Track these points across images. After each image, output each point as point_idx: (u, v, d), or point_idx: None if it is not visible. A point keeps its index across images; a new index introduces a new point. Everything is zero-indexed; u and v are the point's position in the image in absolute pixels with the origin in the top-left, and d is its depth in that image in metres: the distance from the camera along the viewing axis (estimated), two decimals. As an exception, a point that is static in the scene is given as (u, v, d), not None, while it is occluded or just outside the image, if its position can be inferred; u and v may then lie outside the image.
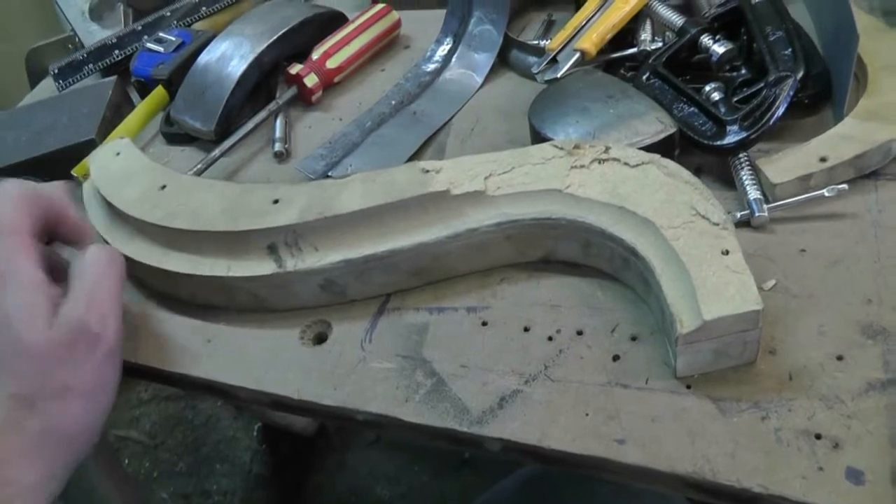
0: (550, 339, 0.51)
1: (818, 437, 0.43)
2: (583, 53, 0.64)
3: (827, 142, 0.57)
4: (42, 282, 0.48)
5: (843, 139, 0.56)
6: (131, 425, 1.55)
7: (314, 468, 1.42)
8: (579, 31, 0.66)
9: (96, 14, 0.90)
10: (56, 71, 0.86)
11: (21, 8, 1.53)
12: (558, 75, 0.63)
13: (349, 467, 1.42)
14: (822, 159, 0.56)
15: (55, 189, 0.54)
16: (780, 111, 0.57)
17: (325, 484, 1.40)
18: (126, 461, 1.49)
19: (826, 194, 0.54)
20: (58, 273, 0.52)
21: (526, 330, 0.52)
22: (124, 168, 0.64)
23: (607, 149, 0.54)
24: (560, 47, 0.65)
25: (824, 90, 0.62)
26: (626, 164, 0.53)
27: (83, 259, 0.51)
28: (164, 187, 0.61)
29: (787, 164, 0.56)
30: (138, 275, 0.62)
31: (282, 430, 1.46)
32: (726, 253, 0.47)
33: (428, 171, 0.54)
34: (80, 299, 0.49)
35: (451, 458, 1.39)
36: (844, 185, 0.54)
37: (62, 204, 0.54)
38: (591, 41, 0.65)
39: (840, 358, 0.46)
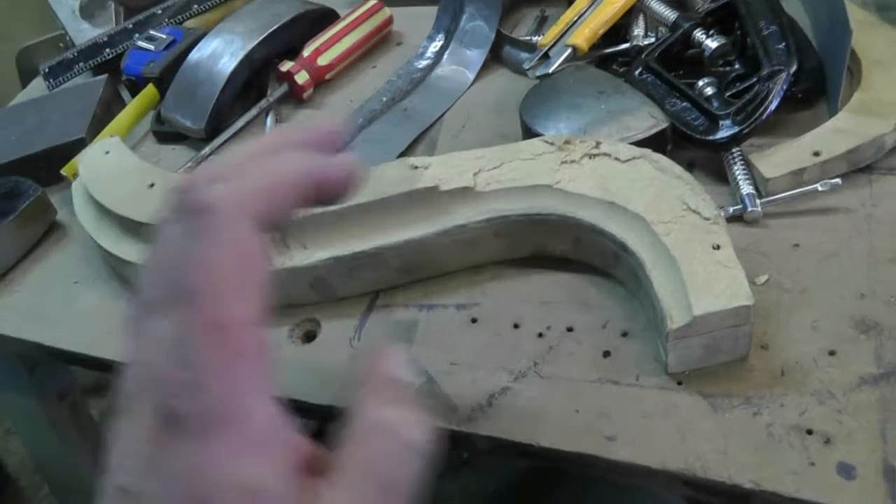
0: (541, 335, 0.50)
1: (810, 432, 0.43)
2: (575, 49, 0.64)
3: (820, 136, 0.56)
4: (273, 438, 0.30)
5: (837, 133, 0.56)
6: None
7: (311, 469, 1.42)
8: (571, 26, 0.65)
9: (87, 12, 0.89)
10: (47, 70, 0.85)
11: (14, 6, 1.53)
12: (550, 71, 0.63)
13: (347, 468, 1.41)
14: (816, 153, 0.55)
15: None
16: (773, 105, 0.56)
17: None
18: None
19: (819, 189, 0.54)
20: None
21: (516, 327, 0.51)
22: (113, 167, 0.64)
23: (598, 144, 0.53)
24: (552, 43, 0.65)
25: (818, 84, 0.62)
26: (616, 159, 0.52)
27: (360, 440, 0.32)
28: (152, 185, 0.61)
29: (780, 158, 0.55)
30: (127, 275, 0.61)
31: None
32: (717, 248, 0.46)
33: (416, 168, 0.54)
34: None
35: (450, 459, 1.39)
36: (838, 180, 0.54)
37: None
38: (583, 36, 0.64)
39: (833, 353, 0.46)
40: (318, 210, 0.53)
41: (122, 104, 0.80)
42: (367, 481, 0.31)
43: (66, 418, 0.89)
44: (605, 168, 0.52)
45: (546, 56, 0.64)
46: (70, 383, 0.87)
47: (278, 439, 0.30)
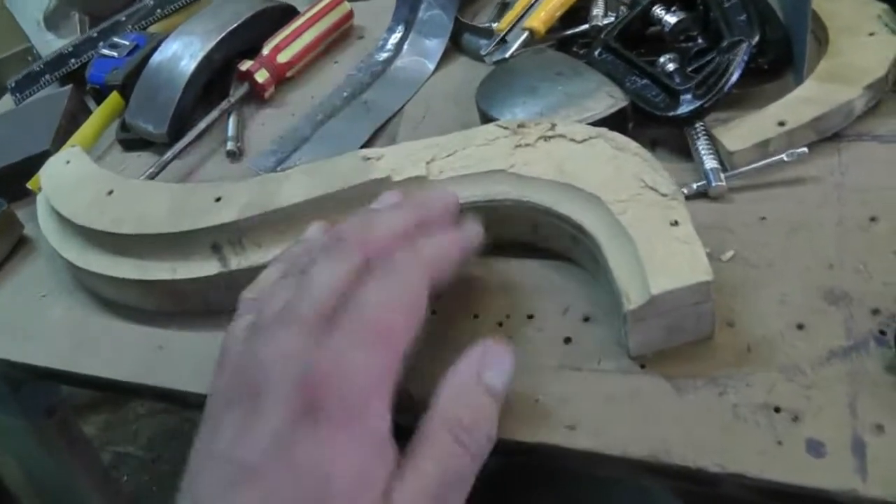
0: (500, 324, 0.49)
1: (777, 410, 0.41)
2: (532, 32, 0.62)
3: (785, 105, 0.54)
4: (386, 443, 0.36)
5: (803, 102, 0.54)
6: (129, 440, 1.54)
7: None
8: (528, 9, 0.64)
9: (52, 23, 0.89)
10: (13, 84, 0.85)
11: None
12: (506, 56, 0.61)
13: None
14: (781, 123, 0.53)
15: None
16: (735, 77, 0.54)
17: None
18: (125, 477, 1.48)
19: (785, 159, 0.52)
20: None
21: (475, 317, 0.50)
22: (74, 177, 0.63)
23: (553, 125, 0.52)
24: (509, 27, 0.63)
25: (784, 55, 0.60)
26: (572, 140, 0.51)
27: (432, 424, 0.38)
28: (111, 192, 0.59)
29: (743, 130, 0.54)
30: (90, 285, 0.60)
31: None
32: (675, 224, 0.45)
33: (369, 159, 0.52)
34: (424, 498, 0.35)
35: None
36: (804, 149, 0.52)
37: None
38: (539, 19, 0.63)
39: (801, 327, 0.44)
40: (271, 208, 0.52)
41: (88, 114, 0.79)
42: (454, 424, 0.38)
43: (55, 436, 0.88)
44: (561, 150, 0.50)
45: (503, 41, 0.63)
46: (59, 400, 0.87)
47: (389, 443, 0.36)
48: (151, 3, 0.86)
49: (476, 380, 0.39)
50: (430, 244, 0.43)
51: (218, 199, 0.55)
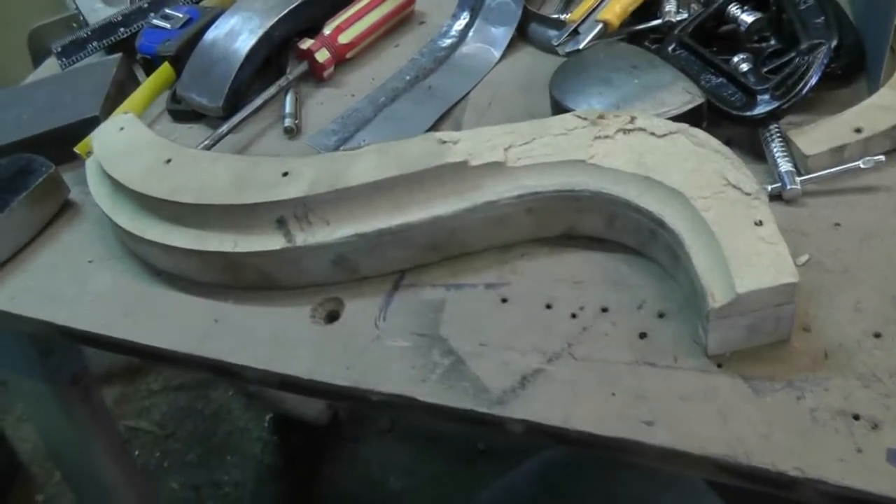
0: (574, 316, 0.49)
1: (856, 417, 0.41)
2: (605, 24, 0.62)
3: (862, 112, 0.54)
4: None
5: (879, 109, 0.54)
6: (142, 416, 1.53)
7: (326, 459, 1.40)
8: (601, 2, 0.63)
9: (102, -8, 0.88)
10: (59, 49, 0.84)
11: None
12: (580, 47, 0.61)
13: (362, 458, 1.40)
14: (857, 130, 0.53)
15: None
16: (814, 80, 0.54)
17: (337, 475, 1.38)
18: (136, 452, 1.47)
19: (861, 166, 0.52)
20: None
21: (548, 307, 0.49)
22: (128, 143, 0.63)
23: (633, 119, 0.51)
24: (582, 19, 0.63)
25: (857, 61, 0.60)
26: (652, 133, 0.50)
27: None
28: (169, 161, 0.59)
29: (819, 135, 0.54)
30: (142, 253, 0.60)
31: (294, 421, 1.45)
32: (760, 224, 0.44)
33: (445, 142, 0.52)
34: None
35: (466, 449, 1.37)
36: (881, 157, 0.52)
37: None
38: (613, 12, 0.62)
39: (878, 335, 0.44)
40: (341, 185, 0.52)
41: (137, 83, 0.78)
42: None
43: (78, 403, 0.88)
44: (641, 143, 0.50)
45: (576, 32, 0.62)
46: (83, 368, 0.87)
47: None
48: (204, -25, 0.85)
49: None
50: None
51: (285, 174, 0.54)
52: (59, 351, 0.80)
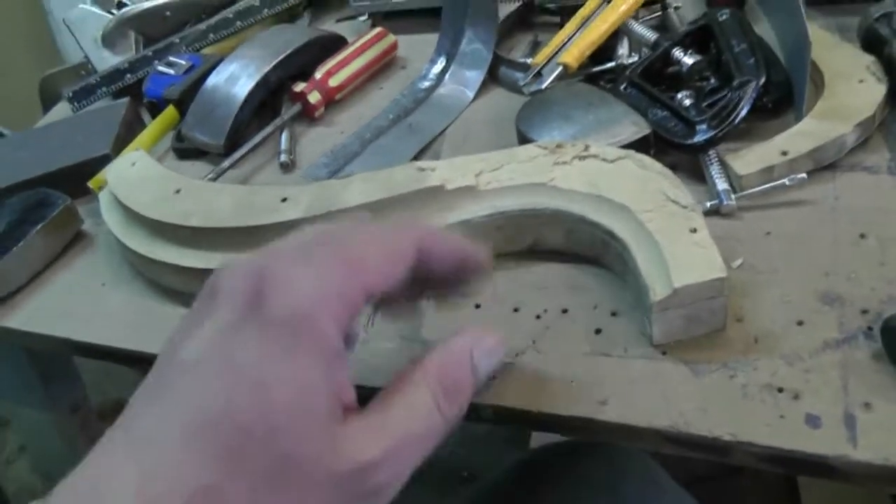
0: (538, 317, 0.55)
1: (780, 390, 0.47)
2: (565, 67, 0.70)
3: (788, 138, 0.62)
4: (333, 364, 0.34)
5: (802, 135, 0.62)
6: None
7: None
8: (562, 47, 0.72)
9: (109, 41, 0.95)
10: (71, 94, 0.91)
11: (19, 42, 1.57)
12: (543, 87, 0.69)
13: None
14: (784, 153, 0.61)
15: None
16: (744, 111, 0.62)
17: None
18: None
19: (787, 183, 0.59)
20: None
21: (516, 310, 0.56)
22: (140, 176, 0.69)
23: (587, 147, 0.59)
24: (544, 62, 0.71)
25: (786, 96, 0.68)
26: (604, 159, 0.58)
27: (423, 367, 0.38)
28: (178, 191, 0.66)
29: (751, 157, 0.61)
30: (153, 274, 0.66)
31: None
32: (694, 231, 0.52)
33: (424, 170, 0.59)
34: (382, 438, 0.34)
35: (453, 476, 1.41)
36: (804, 175, 0.59)
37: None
38: (572, 56, 0.70)
39: (801, 323, 0.51)
40: (335, 208, 0.59)
41: (143, 125, 0.85)
42: (436, 385, 0.37)
43: (77, 432, 0.91)
44: (594, 168, 0.58)
45: (539, 74, 0.71)
46: (83, 397, 0.90)
47: (338, 364, 0.34)
48: (204, 27, 0.93)
49: (468, 356, 0.39)
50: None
51: (284, 200, 0.61)
52: (60, 380, 0.84)
